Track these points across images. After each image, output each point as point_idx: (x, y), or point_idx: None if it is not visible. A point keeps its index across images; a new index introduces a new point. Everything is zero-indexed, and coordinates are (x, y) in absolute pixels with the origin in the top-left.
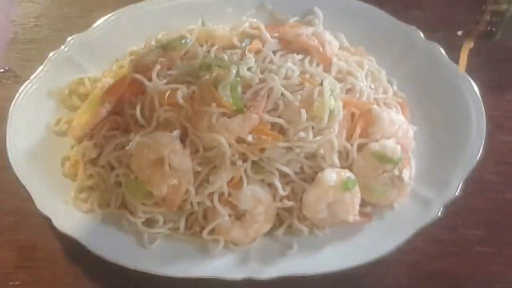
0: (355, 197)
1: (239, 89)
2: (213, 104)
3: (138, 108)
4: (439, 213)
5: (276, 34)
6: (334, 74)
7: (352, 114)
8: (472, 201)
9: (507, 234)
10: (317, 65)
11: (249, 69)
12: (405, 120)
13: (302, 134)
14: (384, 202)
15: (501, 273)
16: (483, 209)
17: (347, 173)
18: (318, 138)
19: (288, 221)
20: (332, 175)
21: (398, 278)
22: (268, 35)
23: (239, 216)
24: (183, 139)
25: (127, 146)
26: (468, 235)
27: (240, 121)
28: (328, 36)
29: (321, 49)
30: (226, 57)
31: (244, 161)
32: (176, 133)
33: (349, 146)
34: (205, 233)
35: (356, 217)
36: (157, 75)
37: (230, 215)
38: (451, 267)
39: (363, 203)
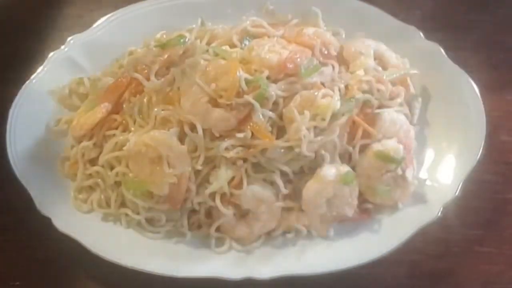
0: (353, 191)
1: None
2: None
3: (136, 108)
4: (439, 213)
5: (279, 33)
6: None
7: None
8: (472, 201)
9: (507, 234)
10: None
11: None
12: (406, 120)
13: (302, 133)
14: (388, 202)
15: (500, 273)
16: (482, 209)
17: (345, 167)
18: (319, 138)
19: (287, 221)
20: (331, 170)
21: (398, 278)
22: (274, 31)
23: (243, 214)
24: (181, 138)
25: (126, 145)
26: (467, 235)
27: (218, 117)
28: (329, 36)
29: (323, 49)
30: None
31: (245, 161)
32: (174, 131)
33: (350, 148)
34: (212, 230)
35: (355, 211)
36: (156, 74)
37: (234, 214)
38: (450, 267)
39: (364, 200)
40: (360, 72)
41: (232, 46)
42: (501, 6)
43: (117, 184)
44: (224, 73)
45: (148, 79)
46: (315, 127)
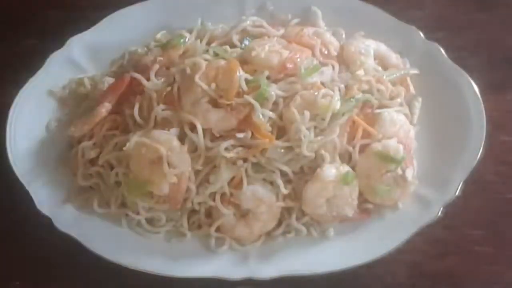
0: (353, 191)
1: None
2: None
3: (136, 108)
4: (439, 213)
5: (279, 33)
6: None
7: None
8: (472, 201)
9: (507, 234)
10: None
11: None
12: (406, 120)
13: (302, 133)
14: (388, 202)
15: (500, 273)
16: (483, 209)
17: (345, 168)
18: (319, 138)
19: (287, 221)
20: (331, 170)
21: (398, 278)
22: (274, 31)
23: (243, 214)
24: (182, 138)
25: (126, 145)
26: (468, 235)
27: (218, 117)
28: (329, 36)
29: (323, 49)
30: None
31: (245, 161)
32: (174, 131)
33: (350, 148)
34: (212, 230)
35: (355, 211)
36: (156, 74)
37: (234, 214)
38: (451, 267)
39: (364, 200)
40: (360, 72)
41: (232, 46)
42: (501, 6)
43: (117, 184)
44: (224, 73)
45: (148, 79)
46: (315, 127)
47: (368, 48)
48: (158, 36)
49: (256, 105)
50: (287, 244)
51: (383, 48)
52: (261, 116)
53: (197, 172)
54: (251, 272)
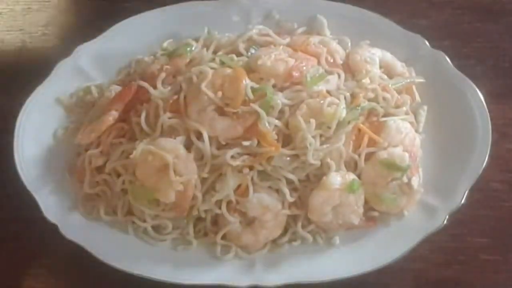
0: (359, 199)
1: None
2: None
3: (143, 116)
4: (445, 221)
5: (285, 41)
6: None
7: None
8: (478, 209)
9: None
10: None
11: None
12: (411, 128)
13: (308, 141)
14: (394, 210)
15: (506, 281)
16: (488, 217)
17: (351, 176)
18: (325, 146)
19: (293, 229)
20: (337, 178)
21: (403, 286)
22: (281, 40)
23: (249, 222)
24: (188, 146)
25: (132, 153)
26: (473, 243)
27: (224, 125)
28: (334, 45)
29: (329, 57)
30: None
31: (251, 169)
32: (181, 139)
33: (356, 156)
34: (218, 237)
35: (361, 219)
36: (162, 83)
37: (240, 221)
38: (456, 275)
39: (369, 208)
40: (366, 81)
41: (239, 54)
42: (507, 14)
43: (124, 191)
44: (230, 81)
45: (155, 87)
46: (320, 135)
47: (374, 56)
48: (165, 44)
49: (262, 113)
50: (293, 252)
51: (388, 56)
52: (267, 124)
53: (203, 180)
54: (257, 280)
